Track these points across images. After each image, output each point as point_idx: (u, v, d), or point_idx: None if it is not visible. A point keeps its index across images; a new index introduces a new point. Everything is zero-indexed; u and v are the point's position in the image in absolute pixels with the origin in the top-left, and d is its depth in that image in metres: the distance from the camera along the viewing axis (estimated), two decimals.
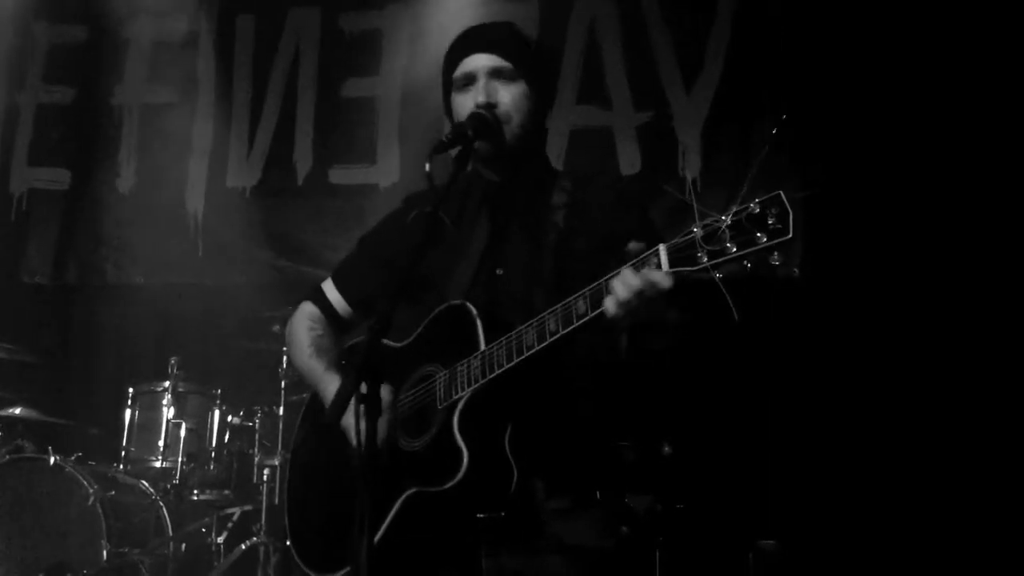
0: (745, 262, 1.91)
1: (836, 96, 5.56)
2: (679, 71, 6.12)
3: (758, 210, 1.89)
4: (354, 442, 2.24)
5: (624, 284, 2.05)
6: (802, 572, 4.76)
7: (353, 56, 6.54)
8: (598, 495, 2.41)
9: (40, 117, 6.80)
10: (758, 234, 1.88)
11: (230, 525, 5.11)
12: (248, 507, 5.02)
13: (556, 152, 6.22)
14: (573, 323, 2.13)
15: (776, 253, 1.87)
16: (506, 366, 2.23)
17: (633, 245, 2.09)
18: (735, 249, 1.91)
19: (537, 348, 2.18)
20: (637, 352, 2.27)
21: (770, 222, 1.87)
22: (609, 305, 2.07)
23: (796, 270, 4.50)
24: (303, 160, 6.50)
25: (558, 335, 2.16)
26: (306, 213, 6.27)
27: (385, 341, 2.51)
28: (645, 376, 2.37)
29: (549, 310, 2.17)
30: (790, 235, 1.85)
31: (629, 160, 6.15)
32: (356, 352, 2.52)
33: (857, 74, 5.57)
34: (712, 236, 1.94)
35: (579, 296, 2.13)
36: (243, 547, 4.85)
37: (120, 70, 6.75)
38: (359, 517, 2.02)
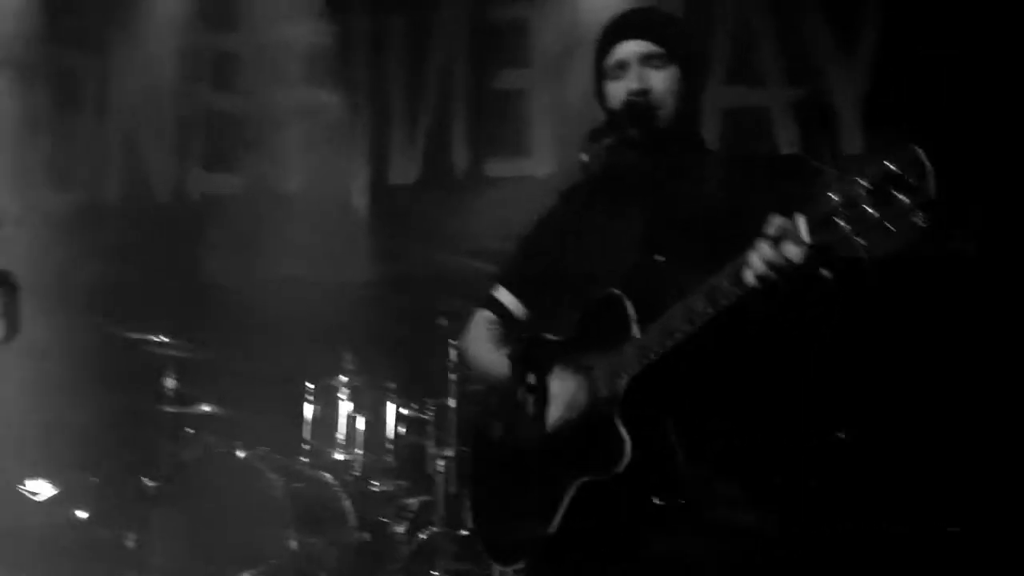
0: (887, 224, 1.86)
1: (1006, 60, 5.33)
2: (833, 42, 5.98)
3: (897, 170, 1.83)
4: (524, 433, 2.31)
5: (761, 257, 2.04)
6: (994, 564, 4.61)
7: (504, 48, 6.62)
8: (772, 482, 2.41)
9: (211, 124, 7.12)
10: (899, 195, 1.83)
11: (410, 515, 5.27)
12: (426, 497, 5.17)
13: (710, 134, 6.14)
14: (719, 303, 2.13)
15: (922, 214, 1.81)
16: (659, 352, 2.25)
17: (774, 220, 2.07)
18: (877, 214, 1.87)
19: (686, 331, 2.20)
20: (790, 328, 2.27)
21: (910, 181, 1.81)
22: (748, 279, 2.07)
23: (968, 247, 4.36)
24: (460, 154, 6.64)
25: (706, 316, 2.16)
26: (466, 206, 6.38)
27: (548, 335, 2.56)
28: (805, 354, 2.36)
29: (694, 293, 2.18)
30: (931, 194, 1.79)
31: (787, 138, 6.05)
32: (533, 345, 2.58)
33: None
34: (850, 201, 1.89)
35: (721, 275, 2.13)
36: (423, 536, 5.01)
37: (281, 74, 6.99)
38: (535, 507, 2.08)
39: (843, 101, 5.93)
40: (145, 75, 7.11)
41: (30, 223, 6.72)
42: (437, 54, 6.75)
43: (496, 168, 6.51)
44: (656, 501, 2.34)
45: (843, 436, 4.86)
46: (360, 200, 6.74)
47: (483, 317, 2.83)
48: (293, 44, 6.96)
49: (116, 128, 7.22)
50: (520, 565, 2.54)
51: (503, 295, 2.81)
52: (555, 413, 2.42)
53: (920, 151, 1.81)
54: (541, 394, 2.07)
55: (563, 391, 2.43)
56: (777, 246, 2.02)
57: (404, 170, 6.72)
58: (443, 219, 6.47)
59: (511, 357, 2.12)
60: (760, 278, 2.05)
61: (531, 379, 2.08)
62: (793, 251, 2.01)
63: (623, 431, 2.28)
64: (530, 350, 2.11)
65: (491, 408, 2.74)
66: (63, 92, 7.26)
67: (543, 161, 6.35)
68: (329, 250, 6.61)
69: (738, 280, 2.10)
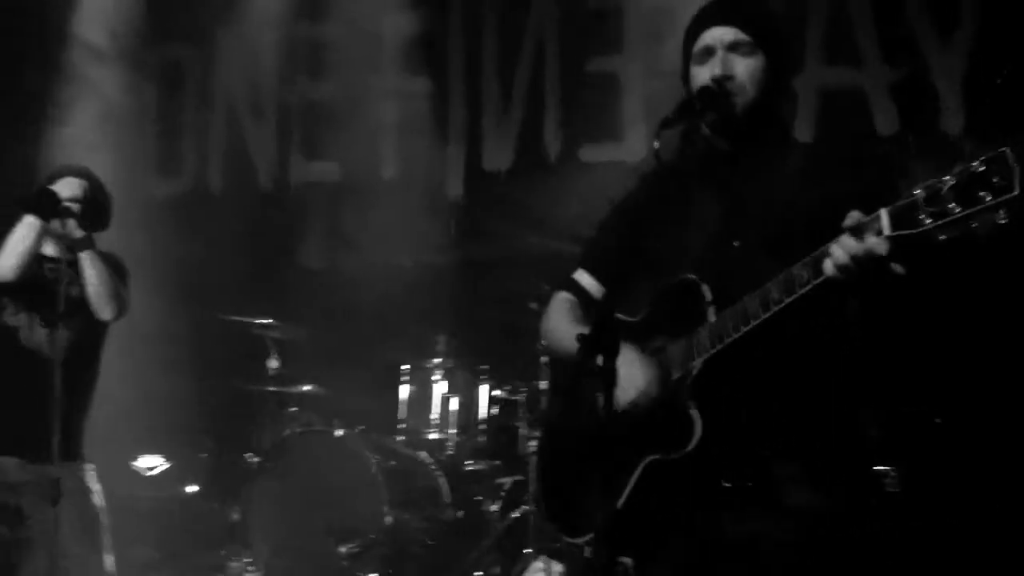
0: (971, 222, 1.88)
1: None
2: (933, 21, 5.87)
3: (982, 168, 1.85)
4: (593, 411, 2.36)
5: (843, 249, 2.07)
6: None
7: (597, 34, 6.64)
8: (838, 463, 2.43)
9: (309, 112, 7.29)
10: (981, 193, 1.84)
11: (503, 494, 5.38)
12: (519, 477, 5.26)
13: (807, 117, 6.12)
14: (795, 291, 2.17)
15: (1002, 212, 1.83)
16: (733, 336, 2.28)
17: (854, 214, 2.10)
18: (958, 209, 1.88)
19: (762, 318, 2.23)
20: (869, 320, 2.28)
21: (994, 180, 1.83)
22: (828, 270, 2.09)
23: None
24: (553, 140, 6.69)
25: (781, 304, 2.20)
26: (559, 192, 6.43)
27: (622, 316, 2.61)
28: (885, 343, 2.37)
29: (773, 279, 2.21)
30: (1015, 192, 1.80)
31: (885, 120, 5.96)
32: (603, 325, 2.62)
33: None
34: (934, 197, 1.92)
35: (801, 264, 2.16)
36: (515, 515, 5.11)
37: (376, 63, 7.12)
38: (601, 483, 2.14)
39: (943, 82, 5.82)
40: (246, 66, 7.33)
41: (139, 210, 7.02)
42: (530, 40, 6.81)
43: (589, 153, 6.55)
44: (725, 483, 2.39)
45: (939, 421, 4.81)
46: (454, 186, 6.84)
47: (563, 298, 2.89)
48: (388, 32, 7.10)
49: (219, 118, 7.45)
50: (587, 538, 2.59)
51: (583, 277, 2.86)
52: (625, 393, 2.46)
53: (1008, 151, 1.83)
54: (610, 373, 2.12)
55: (634, 371, 2.48)
56: (860, 239, 2.05)
57: (498, 156, 6.80)
58: (536, 204, 6.53)
59: (579, 337, 2.17)
60: (840, 269, 2.08)
61: (599, 358, 2.14)
62: (875, 244, 2.04)
63: (694, 412, 2.34)
64: (600, 330, 2.17)
65: (562, 387, 2.81)
66: (169, 84, 7.52)
67: (635, 146, 6.35)
68: (424, 235, 6.75)
69: (817, 270, 2.13)
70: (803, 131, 6.12)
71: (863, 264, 2.07)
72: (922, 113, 5.82)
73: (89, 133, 6.65)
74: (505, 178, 6.74)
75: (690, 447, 2.34)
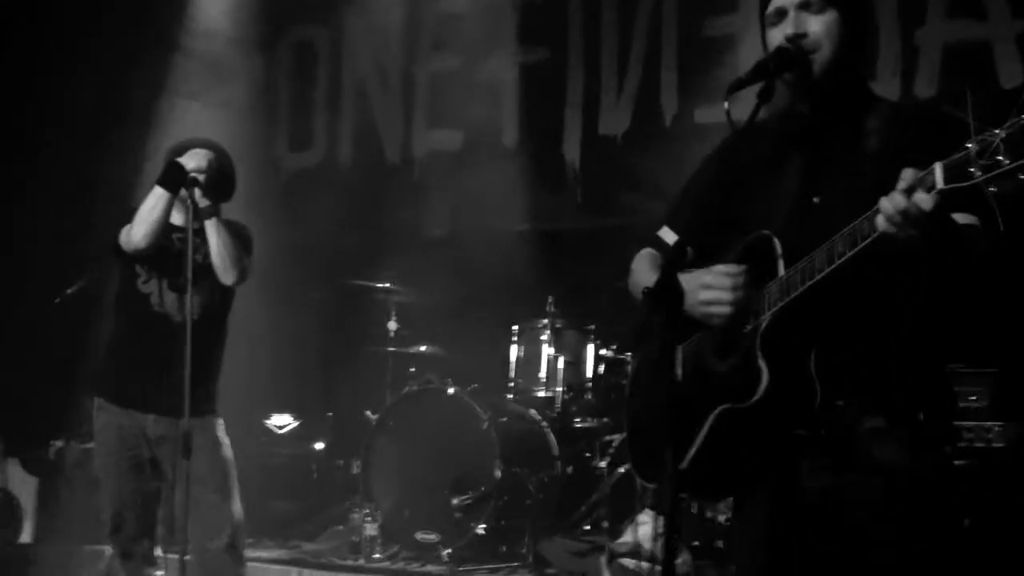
0: (1019, 174, 1.91)
1: None
2: None
3: None
4: (671, 367, 2.43)
5: (891, 203, 2.11)
6: None
7: None
8: (920, 416, 2.44)
9: (433, 84, 7.51)
10: None
11: (611, 451, 5.49)
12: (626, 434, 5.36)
13: (929, 71, 5.98)
14: (858, 244, 2.21)
15: None
16: (800, 289, 2.33)
17: (907, 173, 2.13)
18: (1007, 161, 1.92)
19: (827, 270, 2.27)
20: (936, 273, 2.30)
21: None
22: (880, 224, 2.13)
23: None
24: (669, 103, 6.71)
25: (845, 256, 2.23)
26: (674, 154, 6.42)
27: (692, 268, 2.67)
28: (958, 297, 2.38)
29: (839, 235, 2.26)
30: None
31: (1009, 73, 5.78)
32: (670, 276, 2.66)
33: None
34: (986, 151, 1.95)
35: (864, 218, 2.20)
36: (621, 470, 5.22)
37: (498, 34, 7.27)
38: (667, 433, 2.21)
39: None
40: (373, 43, 7.59)
41: (270, 182, 7.39)
42: (645, 4, 6.84)
43: (705, 115, 6.53)
44: (800, 432, 2.44)
45: None
46: (571, 151, 6.94)
47: (646, 253, 2.93)
48: (508, 2, 7.22)
49: (348, 93, 7.74)
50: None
51: (667, 234, 2.90)
52: (697, 343, 2.54)
53: None
54: (673, 328, 2.20)
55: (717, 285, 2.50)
56: (909, 195, 2.10)
57: (614, 120, 6.86)
58: (651, 168, 6.57)
59: (644, 291, 2.25)
60: (891, 221, 2.13)
61: (663, 310, 2.21)
62: (924, 199, 2.08)
63: (762, 363, 2.39)
64: (664, 282, 2.24)
65: (640, 339, 2.89)
66: (300, 62, 7.84)
67: (751, 106, 6.28)
68: (541, 200, 6.88)
69: (873, 225, 2.18)
70: (925, 86, 6.00)
71: (913, 219, 2.10)
72: None
73: (221, 111, 6.98)
74: (621, 142, 6.79)
75: (756, 397, 2.40)
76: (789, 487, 2.46)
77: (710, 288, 2.50)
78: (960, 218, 2.28)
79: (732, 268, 2.50)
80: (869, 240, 2.20)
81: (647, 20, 6.81)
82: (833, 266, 2.27)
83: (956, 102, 2.12)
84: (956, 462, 3.50)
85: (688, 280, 2.46)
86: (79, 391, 4.52)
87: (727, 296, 2.48)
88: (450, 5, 7.45)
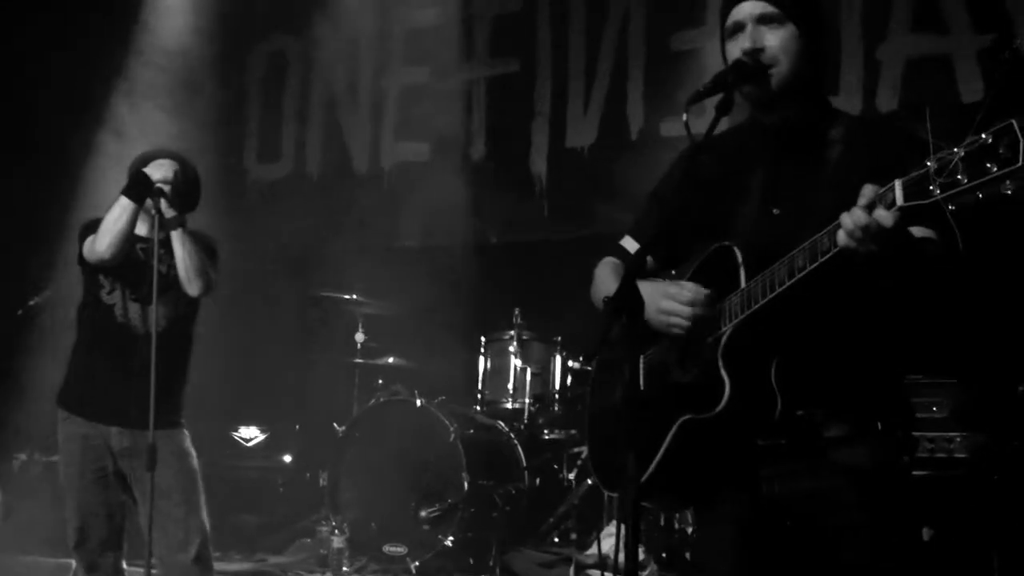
0: (977, 192, 1.95)
1: None
2: None
3: (990, 140, 1.92)
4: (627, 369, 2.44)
5: (851, 218, 2.14)
6: None
7: (680, 9, 6.67)
8: (879, 425, 2.47)
9: (402, 96, 7.52)
10: (988, 164, 1.91)
11: (578, 463, 5.51)
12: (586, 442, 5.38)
13: (892, 84, 6.06)
14: (818, 259, 2.23)
15: (1008, 182, 1.89)
16: (761, 302, 2.36)
17: (867, 189, 2.16)
18: (966, 180, 1.95)
19: (787, 284, 2.30)
20: (901, 290, 2.34)
21: (1000, 151, 1.89)
22: (841, 239, 2.16)
23: None
24: (635, 115, 6.77)
25: (805, 271, 2.26)
26: (640, 166, 6.47)
27: (653, 277, 2.69)
28: (918, 308, 2.41)
29: (799, 248, 2.29)
30: (1020, 164, 1.87)
31: (970, 87, 5.86)
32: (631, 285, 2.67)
33: None
34: (944, 168, 1.99)
35: (826, 232, 2.23)
36: (589, 482, 5.23)
37: (467, 47, 7.29)
38: (629, 442, 2.23)
39: None
40: (344, 55, 7.59)
41: (239, 193, 7.37)
42: (614, 17, 6.89)
43: (671, 128, 6.58)
44: (760, 442, 2.47)
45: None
46: (539, 163, 6.97)
47: (607, 261, 2.95)
48: (477, 14, 7.26)
49: (317, 105, 7.73)
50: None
51: (628, 243, 2.92)
52: (659, 353, 2.56)
53: (1015, 122, 1.90)
54: (634, 335, 2.21)
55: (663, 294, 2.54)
56: (869, 211, 2.12)
57: (581, 133, 6.90)
58: (618, 180, 6.61)
59: (604, 299, 2.26)
60: (851, 237, 2.16)
61: (624, 318, 2.22)
62: (884, 215, 2.11)
63: (724, 373, 2.41)
64: (625, 289, 2.25)
65: (604, 348, 2.90)
66: (271, 72, 7.83)
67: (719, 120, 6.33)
68: (509, 212, 6.91)
69: (834, 240, 2.20)
70: (886, 100, 6.07)
71: (873, 234, 2.13)
72: (1009, 80, 5.68)
73: (190, 122, 6.95)
74: (588, 154, 6.83)
75: (719, 408, 2.42)
76: (751, 495, 2.49)
77: (670, 299, 2.52)
78: (917, 231, 2.32)
79: (694, 286, 2.53)
80: (829, 255, 2.22)
81: (615, 34, 6.86)
82: (793, 280, 2.30)
83: (916, 117, 2.15)
84: (916, 472, 3.54)
85: (649, 289, 2.49)
86: (43, 403, 4.47)
87: (686, 310, 2.50)
88: (420, 18, 7.46)
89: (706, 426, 2.45)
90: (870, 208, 2.13)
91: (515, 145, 7.05)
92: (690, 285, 2.54)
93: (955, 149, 1.98)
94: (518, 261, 6.76)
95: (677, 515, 4.91)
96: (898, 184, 2.09)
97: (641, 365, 2.63)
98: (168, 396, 4.30)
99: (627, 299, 2.24)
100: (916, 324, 2.56)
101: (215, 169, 6.40)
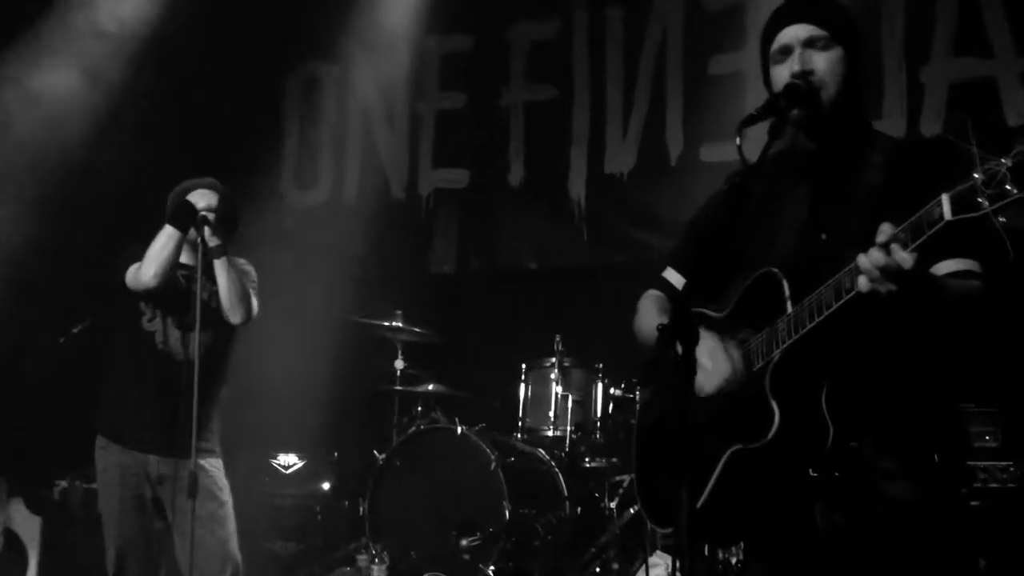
0: None
1: None
2: None
3: None
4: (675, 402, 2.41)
5: (869, 259, 2.10)
6: None
7: (718, 33, 6.64)
8: (936, 458, 2.42)
9: (440, 123, 7.52)
10: None
11: (620, 491, 5.43)
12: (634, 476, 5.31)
13: (935, 108, 5.99)
14: (842, 298, 2.20)
15: None
16: (809, 326, 2.31)
17: (884, 228, 2.12)
18: (1015, 191, 1.90)
19: (835, 306, 2.26)
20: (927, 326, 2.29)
21: None
22: (861, 283, 2.13)
23: None
24: (675, 141, 6.72)
25: (852, 292, 2.22)
26: (679, 192, 6.45)
27: (709, 312, 2.66)
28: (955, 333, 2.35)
29: (845, 271, 2.24)
30: None
31: (1016, 110, 5.78)
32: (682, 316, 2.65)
33: None
34: (992, 180, 1.94)
35: (846, 271, 2.20)
36: (631, 511, 5.17)
37: (505, 72, 7.30)
38: (679, 474, 2.19)
39: None
40: (380, 80, 7.61)
41: (277, 218, 7.40)
42: (652, 42, 6.86)
43: (710, 153, 6.54)
44: (812, 473, 2.41)
45: None
46: (578, 189, 6.94)
47: (651, 294, 2.93)
48: (515, 41, 7.26)
49: (355, 131, 7.75)
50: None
51: (671, 275, 2.90)
52: (710, 381, 2.52)
53: None
54: (688, 362, 2.17)
55: (718, 361, 2.52)
56: (888, 252, 2.08)
57: (620, 159, 6.87)
58: (657, 205, 6.58)
59: (658, 327, 2.23)
60: (871, 278, 2.12)
61: (678, 349, 2.19)
62: (902, 257, 2.07)
63: (773, 403, 2.37)
64: (677, 319, 2.21)
65: (649, 378, 2.86)
66: (307, 97, 7.87)
67: (758, 144, 6.29)
68: (547, 238, 6.88)
69: (854, 282, 2.17)
70: (930, 124, 6.00)
71: (891, 274, 2.10)
72: None
73: (231, 151, 6.99)
74: (627, 180, 6.80)
75: (768, 437, 2.37)
76: (803, 529, 2.43)
77: (712, 358, 2.50)
78: (953, 265, 2.28)
79: (738, 354, 2.51)
80: (848, 297, 2.19)
81: (653, 58, 6.83)
82: (842, 301, 2.27)
83: (959, 132, 2.11)
84: (972, 503, 3.46)
85: (711, 344, 2.50)
86: (84, 430, 4.49)
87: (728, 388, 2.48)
88: (456, 43, 7.48)
89: (756, 456, 2.41)
90: (886, 246, 2.09)
91: (553, 171, 7.02)
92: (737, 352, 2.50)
93: (1002, 160, 1.94)
94: (557, 287, 6.72)
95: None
96: (945, 198, 2.05)
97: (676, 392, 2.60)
98: (204, 424, 4.31)
99: (680, 329, 2.21)
100: (964, 352, 2.51)
101: (252, 196, 6.44)
